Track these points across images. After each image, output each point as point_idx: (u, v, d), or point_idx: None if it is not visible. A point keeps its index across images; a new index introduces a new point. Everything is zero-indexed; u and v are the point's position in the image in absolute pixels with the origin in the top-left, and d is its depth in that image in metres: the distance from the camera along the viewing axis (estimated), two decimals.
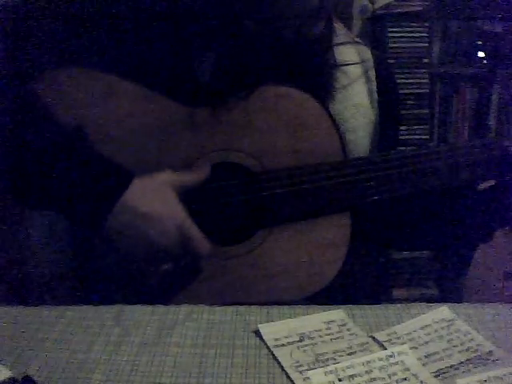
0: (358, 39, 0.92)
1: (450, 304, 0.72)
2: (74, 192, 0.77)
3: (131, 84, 0.81)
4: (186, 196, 0.81)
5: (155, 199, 0.78)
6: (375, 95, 0.90)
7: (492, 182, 0.86)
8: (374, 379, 0.58)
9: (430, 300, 1.96)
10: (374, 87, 0.90)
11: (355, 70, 0.89)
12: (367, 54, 0.91)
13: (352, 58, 0.88)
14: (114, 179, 0.78)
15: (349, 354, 0.63)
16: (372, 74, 0.90)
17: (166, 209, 0.78)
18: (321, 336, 0.66)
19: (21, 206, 0.87)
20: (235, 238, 0.83)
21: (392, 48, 1.94)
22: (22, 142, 0.78)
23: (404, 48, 1.94)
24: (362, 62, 0.90)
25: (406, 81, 1.93)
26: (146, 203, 0.77)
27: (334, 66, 0.86)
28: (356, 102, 0.88)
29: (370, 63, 0.91)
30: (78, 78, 0.82)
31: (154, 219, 0.77)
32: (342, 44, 0.88)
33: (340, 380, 0.58)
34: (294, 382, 0.59)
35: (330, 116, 0.83)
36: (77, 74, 0.82)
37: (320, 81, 0.86)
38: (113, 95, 0.81)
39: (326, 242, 0.83)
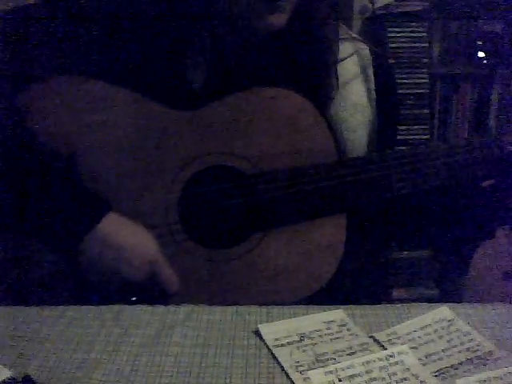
0: (356, 35, 0.91)
1: (450, 304, 0.72)
2: (50, 217, 0.78)
3: (120, 89, 0.81)
4: (182, 200, 0.81)
5: (129, 233, 0.79)
6: (373, 94, 0.89)
7: (491, 182, 0.86)
8: (374, 379, 0.58)
9: (430, 300, 1.96)
10: (373, 86, 0.90)
11: (353, 68, 0.89)
12: (365, 51, 0.91)
13: (347, 55, 0.88)
14: (90, 208, 0.79)
15: (349, 354, 0.63)
16: (370, 72, 0.90)
17: (138, 243, 0.79)
18: (321, 336, 0.66)
19: None
20: (231, 241, 0.83)
21: (392, 48, 1.94)
22: (4, 161, 0.79)
23: (404, 48, 1.94)
24: (359, 57, 0.89)
25: (406, 81, 1.93)
26: (119, 236, 0.79)
27: (332, 64, 0.86)
28: (354, 100, 0.88)
29: (368, 61, 0.90)
30: (66, 86, 0.81)
31: (126, 252, 0.78)
32: (339, 40, 0.88)
33: (340, 380, 0.58)
34: (294, 382, 0.59)
35: (325, 117, 0.83)
36: (66, 81, 0.81)
37: (317, 80, 0.86)
38: (103, 101, 0.81)
39: (322, 242, 0.83)
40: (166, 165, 0.82)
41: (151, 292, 0.80)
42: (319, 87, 0.85)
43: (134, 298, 0.79)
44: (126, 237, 0.79)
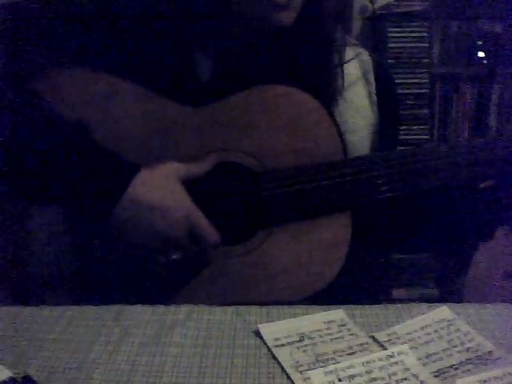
0: (355, 41, 0.92)
1: (450, 304, 0.72)
2: (79, 186, 0.77)
3: (131, 84, 0.81)
4: (188, 194, 0.81)
5: (161, 190, 0.78)
6: (374, 98, 0.90)
7: (491, 182, 0.86)
8: (374, 379, 0.58)
9: (430, 300, 1.96)
10: (374, 90, 0.90)
11: (354, 72, 0.89)
12: (365, 56, 0.91)
13: (350, 58, 0.88)
14: (118, 172, 0.78)
15: (349, 354, 0.63)
16: (371, 76, 0.90)
17: (172, 199, 0.78)
18: (321, 336, 0.66)
19: (25, 202, 0.87)
20: (235, 238, 0.83)
21: (392, 48, 1.94)
22: (24, 140, 0.78)
23: (404, 48, 1.94)
24: (360, 62, 0.90)
25: (406, 81, 1.93)
26: (152, 194, 0.77)
27: (338, 65, 0.86)
28: (356, 103, 0.88)
29: (369, 66, 0.91)
30: (78, 78, 0.82)
31: (161, 210, 0.77)
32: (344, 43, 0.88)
33: (340, 380, 0.58)
34: (294, 382, 0.59)
35: (331, 115, 0.83)
36: (78, 74, 0.82)
37: (321, 81, 0.86)
38: (112, 95, 0.81)
39: (326, 242, 0.83)
40: (173, 161, 0.82)
41: (190, 246, 0.79)
42: (325, 87, 0.86)
43: (174, 256, 0.78)
44: (159, 195, 0.77)
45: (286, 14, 0.78)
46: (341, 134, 0.83)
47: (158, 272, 0.80)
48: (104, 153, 0.78)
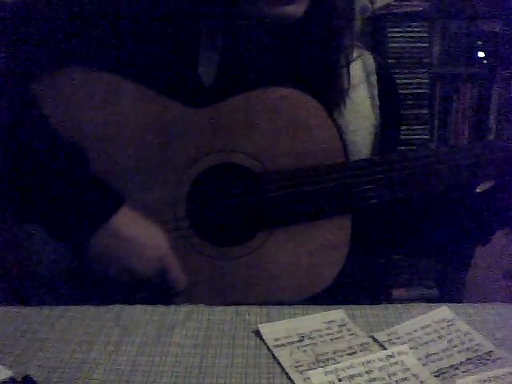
0: (358, 43, 0.92)
1: (450, 304, 0.72)
2: (61, 208, 0.78)
3: (132, 84, 0.81)
4: (188, 197, 0.81)
5: (141, 227, 0.79)
6: (377, 100, 0.90)
7: (491, 183, 0.86)
8: (374, 379, 0.58)
9: (430, 300, 1.97)
10: (376, 92, 0.90)
11: (357, 74, 0.89)
12: (369, 58, 0.91)
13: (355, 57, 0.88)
14: (105, 201, 0.79)
15: (349, 354, 0.63)
16: (374, 79, 0.90)
17: (150, 238, 0.80)
18: (321, 336, 0.66)
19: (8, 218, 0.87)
20: (236, 239, 0.83)
21: (392, 48, 1.94)
22: (16, 150, 0.79)
23: (404, 48, 1.94)
24: (364, 64, 0.90)
25: (406, 81, 1.93)
26: (132, 230, 0.79)
27: (341, 68, 0.86)
28: (358, 105, 0.89)
29: (372, 68, 0.91)
30: (78, 79, 0.82)
31: (137, 246, 0.78)
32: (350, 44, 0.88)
33: (340, 380, 0.58)
34: (294, 382, 0.59)
35: (332, 117, 0.83)
36: (78, 74, 0.82)
37: (324, 83, 0.86)
38: (113, 96, 0.81)
39: (326, 243, 0.83)
40: (174, 161, 0.82)
41: (158, 289, 0.80)
42: (330, 89, 0.86)
43: (141, 295, 0.79)
44: (138, 232, 0.79)
45: (295, 7, 0.78)
46: (342, 136, 0.83)
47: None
48: (95, 179, 0.79)
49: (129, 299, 0.75)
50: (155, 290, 0.80)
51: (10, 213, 0.82)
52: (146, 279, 0.79)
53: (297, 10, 0.79)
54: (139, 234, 0.79)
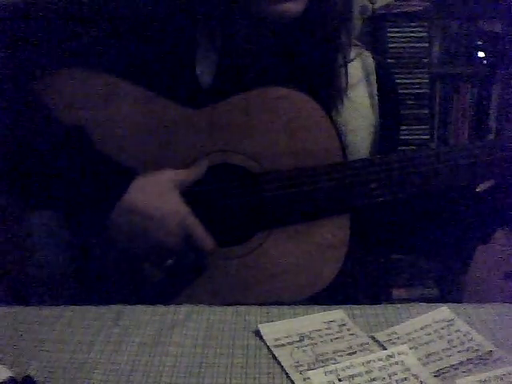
0: (358, 42, 0.92)
1: (450, 304, 0.72)
2: (75, 191, 0.77)
3: (131, 85, 0.81)
4: (186, 196, 0.81)
5: (157, 197, 0.78)
6: (376, 99, 0.90)
7: (492, 183, 0.86)
8: (374, 379, 0.58)
9: (430, 300, 1.96)
10: (375, 91, 0.90)
11: (356, 73, 0.89)
12: (368, 57, 0.91)
13: (354, 57, 0.88)
14: (115, 178, 0.78)
15: (349, 354, 0.63)
16: (373, 77, 0.90)
17: (167, 206, 0.78)
18: (321, 336, 0.66)
19: (21, 205, 0.87)
20: (235, 240, 0.83)
21: (392, 48, 1.94)
22: (22, 142, 0.78)
23: (404, 48, 1.94)
24: (363, 63, 0.90)
25: (406, 81, 1.93)
26: (148, 201, 0.77)
27: (341, 66, 0.86)
28: (357, 104, 0.88)
29: (371, 67, 0.91)
30: (78, 79, 0.82)
31: (156, 217, 0.77)
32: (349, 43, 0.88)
33: (340, 380, 0.58)
34: (294, 382, 0.59)
35: (330, 117, 0.83)
36: (78, 75, 0.82)
37: (325, 82, 0.86)
38: (112, 96, 0.81)
39: (325, 243, 0.83)
40: (172, 162, 0.82)
41: (186, 254, 0.79)
42: (328, 88, 0.85)
43: (169, 262, 0.78)
44: (154, 202, 0.78)
45: (294, 4, 0.78)
46: (340, 136, 0.83)
47: (152, 276, 0.80)
48: (101, 158, 0.79)
49: (130, 299, 0.75)
50: (185, 256, 0.79)
51: (19, 202, 0.82)
52: (173, 247, 0.78)
53: (296, 7, 0.78)
54: (156, 205, 0.77)
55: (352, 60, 0.87)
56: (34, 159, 0.78)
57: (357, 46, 0.90)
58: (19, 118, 0.79)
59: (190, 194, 0.82)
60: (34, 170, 0.78)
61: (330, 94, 0.85)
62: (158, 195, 0.78)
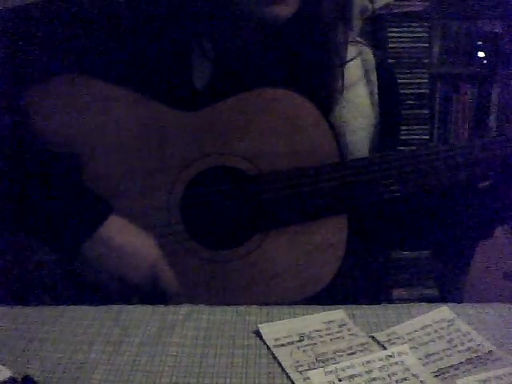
0: (359, 39, 0.91)
1: (450, 304, 0.72)
2: (52, 218, 0.78)
3: (124, 88, 0.81)
4: (185, 199, 0.81)
5: (130, 236, 0.79)
6: (376, 97, 0.89)
7: (487, 183, 0.86)
8: (374, 379, 0.58)
9: (430, 300, 1.96)
10: (376, 89, 0.89)
11: (356, 72, 0.88)
12: (369, 54, 0.91)
13: (353, 56, 0.88)
14: (93, 210, 0.79)
15: (349, 354, 0.63)
16: (373, 75, 0.89)
17: (140, 246, 0.80)
18: (321, 336, 0.66)
19: None
20: (233, 242, 0.83)
21: (392, 48, 1.94)
22: (5, 163, 0.79)
23: (404, 48, 1.94)
24: (363, 61, 0.89)
25: (406, 81, 1.93)
26: (121, 238, 0.79)
27: (338, 66, 0.85)
28: (357, 103, 0.88)
29: (372, 65, 0.90)
30: (71, 86, 0.81)
31: (127, 255, 0.78)
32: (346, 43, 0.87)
33: (340, 380, 0.58)
34: (294, 382, 0.59)
35: (326, 118, 0.83)
36: (70, 81, 0.81)
37: (323, 82, 0.85)
38: (107, 100, 0.81)
39: (323, 243, 0.83)
40: (168, 165, 0.82)
41: (151, 294, 0.80)
42: (324, 89, 0.85)
43: (134, 300, 0.79)
44: (128, 240, 0.79)
45: (286, 7, 0.77)
46: (337, 137, 0.83)
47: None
48: (84, 188, 0.80)
49: (128, 300, 0.75)
50: (147, 295, 0.80)
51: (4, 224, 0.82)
52: (137, 286, 0.79)
53: (287, 10, 0.77)
54: (129, 242, 0.79)
55: (351, 59, 0.86)
56: (15, 180, 0.78)
57: (357, 43, 0.89)
58: (5, 133, 0.80)
59: (188, 196, 0.82)
60: (12, 192, 0.78)
61: (326, 94, 0.85)
62: (133, 235, 0.80)
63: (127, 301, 0.75)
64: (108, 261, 0.78)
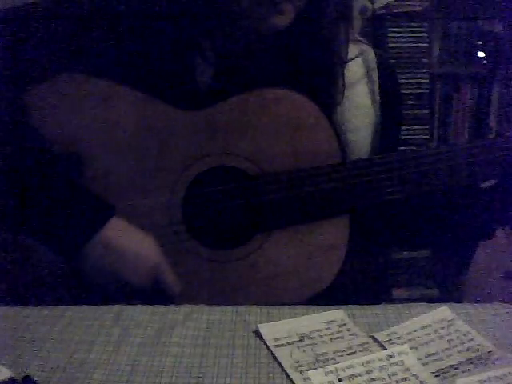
0: (360, 38, 0.91)
1: (450, 304, 0.72)
2: (53, 220, 0.78)
3: (127, 87, 0.81)
4: (186, 199, 0.81)
5: (132, 238, 0.79)
6: (377, 96, 0.89)
7: (492, 182, 0.86)
8: (374, 379, 0.58)
9: (430, 300, 1.97)
10: (377, 88, 0.89)
11: (357, 71, 0.88)
12: (370, 53, 0.90)
13: (354, 56, 0.88)
14: (94, 213, 0.79)
15: (349, 354, 0.63)
16: (374, 74, 0.89)
17: (141, 249, 0.79)
18: (321, 336, 0.66)
19: None
20: (234, 242, 0.83)
21: (392, 48, 1.94)
22: (6, 162, 0.79)
23: (404, 48, 1.94)
24: (364, 59, 0.89)
25: (406, 81, 1.93)
26: (122, 241, 0.78)
27: (339, 66, 0.85)
28: (358, 102, 0.88)
29: (373, 63, 0.90)
30: (73, 84, 0.81)
31: (130, 259, 0.78)
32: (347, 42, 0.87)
33: (340, 380, 0.58)
34: (294, 382, 0.59)
35: (328, 118, 0.83)
36: (72, 80, 0.81)
37: (323, 82, 0.85)
38: (108, 100, 0.81)
39: (324, 244, 0.83)
40: (170, 165, 0.82)
41: (153, 295, 0.80)
42: (325, 89, 0.85)
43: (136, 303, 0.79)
44: (130, 242, 0.79)
45: (284, 18, 0.78)
46: (339, 137, 0.83)
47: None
48: (86, 190, 0.79)
49: (129, 300, 0.75)
50: (149, 296, 0.80)
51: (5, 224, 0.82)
52: (138, 287, 0.79)
53: (285, 20, 0.78)
54: (130, 245, 0.79)
55: (352, 59, 0.86)
56: (17, 180, 0.78)
57: (359, 42, 0.89)
58: (6, 133, 0.80)
59: (189, 196, 0.82)
60: (14, 192, 0.78)
61: (327, 94, 0.85)
62: (133, 236, 0.79)
63: (128, 301, 0.75)
64: (109, 263, 0.78)
